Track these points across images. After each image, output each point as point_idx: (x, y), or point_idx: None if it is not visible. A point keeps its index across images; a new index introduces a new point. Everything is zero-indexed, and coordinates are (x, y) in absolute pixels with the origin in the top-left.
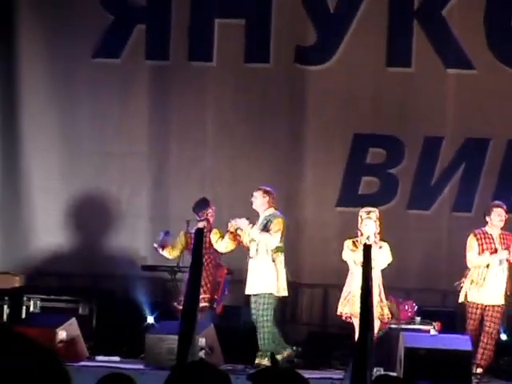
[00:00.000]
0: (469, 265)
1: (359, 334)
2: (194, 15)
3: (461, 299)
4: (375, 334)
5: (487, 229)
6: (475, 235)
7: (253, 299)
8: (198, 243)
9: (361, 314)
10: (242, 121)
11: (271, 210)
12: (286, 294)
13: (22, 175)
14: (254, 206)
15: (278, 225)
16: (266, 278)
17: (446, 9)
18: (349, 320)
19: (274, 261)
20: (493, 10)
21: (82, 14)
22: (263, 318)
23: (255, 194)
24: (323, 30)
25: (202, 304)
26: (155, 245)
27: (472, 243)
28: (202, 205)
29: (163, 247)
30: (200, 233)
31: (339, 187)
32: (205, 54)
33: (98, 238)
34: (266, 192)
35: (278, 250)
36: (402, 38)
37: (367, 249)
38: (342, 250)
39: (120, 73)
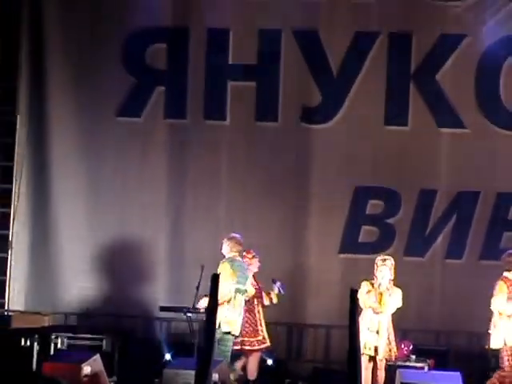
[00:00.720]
0: (494, 308)
1: (348, 369)
2: (209, 78)
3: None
4: (383, 372)
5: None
6: (505, 282)
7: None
8: (214, 287)
9: (348, 351)
10: (253, 175)
11: (231, 254)
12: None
13: (51, 223)
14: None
15: (220, 269)
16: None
17: (439, 73)
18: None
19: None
20: (482, 74)
21: (106, 77)
22: None
23: (223, 241)
24: (327, 92)
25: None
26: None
27: (503, 288)
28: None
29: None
30: (215, 278)
31: (341, 235)
32: (219, 113)
33: (120, 281)
34: (229, 238)
35: (235, 291)
36: (398, 99)
37: (353, 294)
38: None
39: (141, 130)
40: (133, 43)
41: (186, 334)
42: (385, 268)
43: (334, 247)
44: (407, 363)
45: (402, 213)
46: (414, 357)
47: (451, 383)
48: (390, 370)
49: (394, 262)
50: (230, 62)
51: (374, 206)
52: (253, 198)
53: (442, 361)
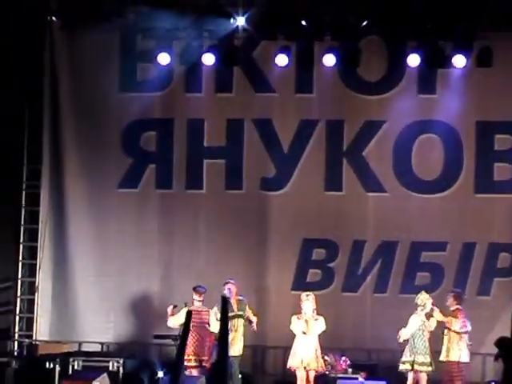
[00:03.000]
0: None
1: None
2: (189, 157)
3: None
4: (312, 379)
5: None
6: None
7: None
8: (187, 320)
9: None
10: (224, 232)
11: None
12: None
13: (68, 272)
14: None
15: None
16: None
17: (365, 151)
18: (293, 370)
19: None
20: (398, 150)
21: (109, 159)
22: None
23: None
24: (280, 167)
25: (194, 364)
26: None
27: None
28: (199, 288)
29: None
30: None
31: (293, 277)
32: (197, 184)
33: (122, 318)
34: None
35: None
36: (335, 171)
37: (224, 300)
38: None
39: (137, 199)
40: (129, 132)
41: (173, 356)
42: (307, 302)
43: (288, 286)
44: (345, 375)
45: (340, 258)
46: (350, 370)
47: None
48: (331, 381)
49: (314, 297)
50: (205, 145)
51: (318, 254)
52: (224, 251)
53: (372, 373)
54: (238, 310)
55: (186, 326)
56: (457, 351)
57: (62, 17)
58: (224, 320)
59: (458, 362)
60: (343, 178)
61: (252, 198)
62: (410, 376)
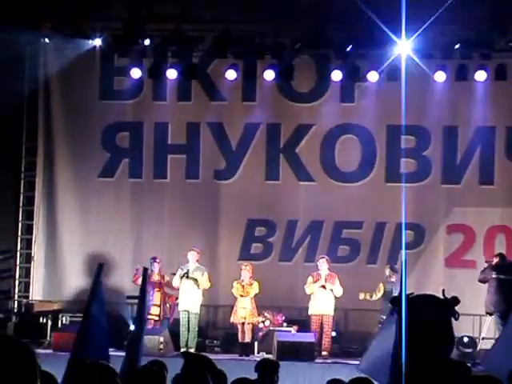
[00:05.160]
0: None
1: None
2: (156, 153)
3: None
4: (250, 332)
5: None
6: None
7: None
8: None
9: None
10: (185, 214)
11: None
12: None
13: (57, 245)
14: (196, 259)
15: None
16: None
17: (298, 148)
18: (235, 324)
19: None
20: (324, 147)
21: (92, 154)
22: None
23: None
24: (229, 161)
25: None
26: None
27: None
28: (152, 258)
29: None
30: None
31: (239, 249)
32: (163, 175)
33: (104, 278)
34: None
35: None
36: (273, 163)
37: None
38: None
39: (113, 186)
40: (108, 132)
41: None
42: (245, 271)
43: (235, 256)
44: (281, 328)
45: (277, 235)
46: (285, 324)
47: (308, 339)
48: (269, 333)
49: (251, 266)
50: (169, 143)
51: (259, 231)
52: (184, 228)
53: (303, 326)
54: (194, 274)
55: (143, 285)
56: None
57: (53, 39)
58: (142, 287)
59: None
60: (280, 169)
61: (206, 186)
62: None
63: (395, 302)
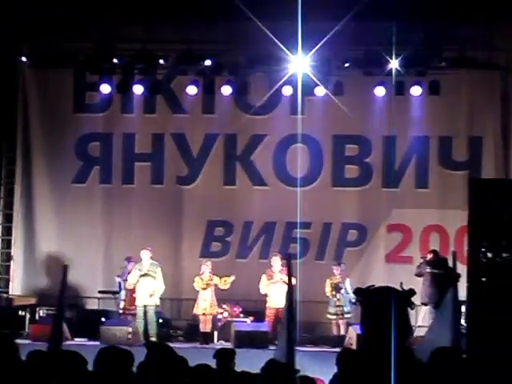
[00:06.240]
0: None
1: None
2: (124, 161)
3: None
4: (211, 323)
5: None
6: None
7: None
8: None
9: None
10: (150, 216)
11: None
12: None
13: (35, 246)
14: (150, 256)
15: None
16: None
17: (253, 155)
18: (197, 316)
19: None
20: (276, 155)
21: (66, 162)
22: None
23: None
24: (191, 167)
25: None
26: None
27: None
28: (127, 258)
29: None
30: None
31: (201, 246)
32: (130, 180)
33: (78, 276)
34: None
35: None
36: (230, 170)
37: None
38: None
39: (86, 192)
40: (80, 142)
41: (114, 306)
42: (205, 266)
43: (197, 254)
44: (238, 319)
45: (234, 234)
46: (242, 315)
47: (263, 329)
48: (227, 323)
49: (209, 262)
50: (136, 152)
51: (218, 231)
52: (150, 229)
53: (258, 317)
54: (149, 271)
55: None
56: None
57: (31, 58)
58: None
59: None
60: (236, 175)
61: (170, 190)
62: None
63: (359, 292)
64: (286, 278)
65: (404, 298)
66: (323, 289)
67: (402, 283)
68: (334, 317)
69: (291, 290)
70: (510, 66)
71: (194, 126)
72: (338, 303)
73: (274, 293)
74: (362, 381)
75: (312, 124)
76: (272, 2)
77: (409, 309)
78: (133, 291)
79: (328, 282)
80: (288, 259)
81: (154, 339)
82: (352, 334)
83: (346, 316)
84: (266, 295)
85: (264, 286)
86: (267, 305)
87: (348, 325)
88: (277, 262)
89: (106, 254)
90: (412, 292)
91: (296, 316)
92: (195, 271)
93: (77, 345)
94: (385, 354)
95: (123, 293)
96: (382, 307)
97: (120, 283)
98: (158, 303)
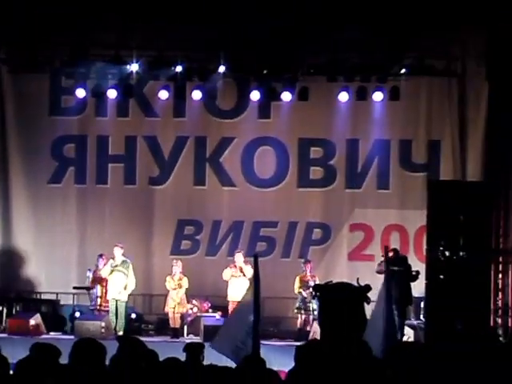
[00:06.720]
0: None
1: None
2: (98, 162)
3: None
4: (179, 319)
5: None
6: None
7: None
8: None
9: None
10: (122, 215)
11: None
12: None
13: (13, 244)
14: (121, 253)
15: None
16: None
17: (221, 158)
18: (167, 313)
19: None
20: (244, 157)
21: (42, 162)
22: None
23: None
24: (162, 168)
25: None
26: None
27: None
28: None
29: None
30: None
31: (171, 245)
32: (103, 181)
33: (51, 274)
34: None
35: None
36: (200, 171)
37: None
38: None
39: (61, 191)
40: (56, 144)
41: (87, 302)
42: (176, 266)
43: (167, 252)
44: (207, 314)
45: (204, 233)
46: (211, 310)
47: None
48: (197, 318)
49: (179, 262)
50: (110, 153)
51: (188, 229)
52: (122, 227)
53: (226, 312)
54: (120, 267)
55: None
56: None
57: (8, 63)
58: None
59: None
60: (206, 176)
61: (142, 190)
62: None
63: (317, 288)
64: (247, 272)
65: (360, 294)
66: (290, 285)
67: (358, 279)
68: (302, 312)
69: (258, 288)
70: (466, 73)
71: (166, 129)
72: (307, 300)
73: (236, 286)
74: (318, 373)
75: (278, 128)
76: (243, 11)
77: (365, 303)
78: (107, 288)
79: (297, 278)
80: (255, 258)
81: (120, 333)
82: (316, 329)
83: (315, 313)
84: (226, 282)
85: (228, 275)
86: (228, 298)
87: (314, 320)
88: (240, 257)
89: (80, 250)
90: (368, 288)
91: (261, 311)
92: (166, 268)
93: (52, 338)
94: (340, 347)
95: (99, 288)
96: (338, 302)
97: (89, 277)
98: (127, 299)
